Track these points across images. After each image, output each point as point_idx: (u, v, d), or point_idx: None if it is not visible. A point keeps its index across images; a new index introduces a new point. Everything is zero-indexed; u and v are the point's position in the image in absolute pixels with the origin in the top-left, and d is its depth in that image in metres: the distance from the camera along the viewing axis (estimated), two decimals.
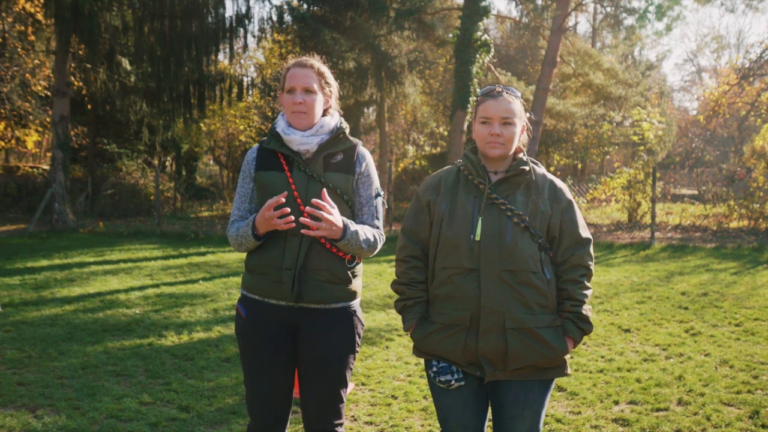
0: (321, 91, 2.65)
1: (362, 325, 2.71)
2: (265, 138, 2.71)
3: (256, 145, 2.73)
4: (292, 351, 2.64)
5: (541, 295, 2.43)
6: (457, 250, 2.43)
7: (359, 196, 2.67)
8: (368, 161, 2.70)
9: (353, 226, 2.53)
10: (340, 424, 2.68)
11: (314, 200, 2.44)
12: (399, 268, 2.59)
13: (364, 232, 2.58)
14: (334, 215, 2.45)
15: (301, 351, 2.63)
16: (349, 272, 2.62)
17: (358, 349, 2.69)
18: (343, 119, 2.72)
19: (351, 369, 2.68)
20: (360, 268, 2.69)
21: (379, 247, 2.65)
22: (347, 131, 2.69)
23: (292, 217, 2.46)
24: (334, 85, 2.73)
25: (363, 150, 2.70)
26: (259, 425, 2.66)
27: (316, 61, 2.68)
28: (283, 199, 2.45)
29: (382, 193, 2.74)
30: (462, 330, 2.43)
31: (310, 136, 2.60)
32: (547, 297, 2.44)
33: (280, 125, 2.63)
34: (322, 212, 2.42)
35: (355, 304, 2.68)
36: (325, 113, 2.69)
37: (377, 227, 2.67)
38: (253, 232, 2.54)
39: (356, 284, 2.67)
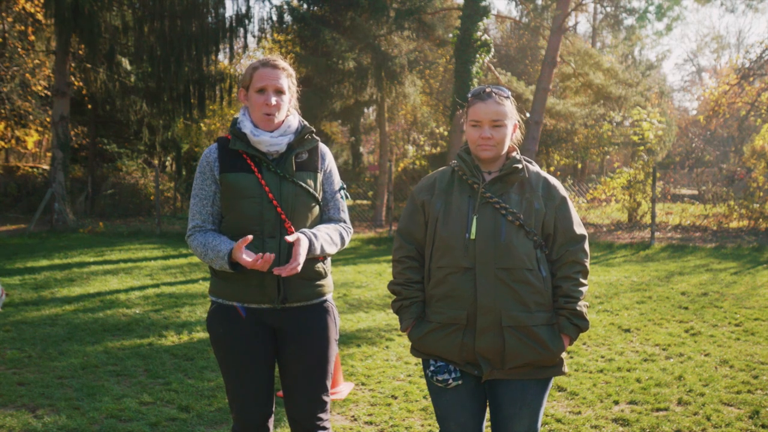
0: (289, 92, 2.64)
1: (338, 315, 2.77)
2: (222, 137, 2.68)
3: (214, 144, 2.67)
4: (273, 351, 2.67)
5: (537, 293, 2.43)
6: (453, 249, 2.44)
7: (324, 192, 2.70)
8: (330, 157, 2.74)
9: (317, 241, 2.52)
10: (327, 419, 2.70)
11: (278, 269, 2.40)
12: (395, 268, 2.61)
13: (330, 237, 2.60)
14: (300, 259, 2.43)
15: (286, 350, 2.64)
16: (323, 268, 2.67)
17: (338, 337, 2.75)
18: (302, 118, 2.73)
19: (334, 360, 2.72)
20: (329, 262, 2.73)
21: (348, 240, 2.72)
22: (313, 131, 2.70)
23: (270, 259, 2.41)
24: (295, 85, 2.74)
25: (324, 147, 2.73)
26: (246, 426, 2.67)
27: (283, 62, 2.66)
28: (251, 237, 2.42)
29: (344, 186, 2.78)
30: (459, 329, 2.44)
31: (279, 137, 2.58)
32: (544, 295, 2.45)
33: (247, 126, 2.58)
34: (291, 267, 2.40)
35: (331, 296, 2.75)
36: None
37: (343, 220, 2.73)
38: (230, 263, 2.48)
39: (330, 278, 2.74)
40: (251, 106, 2.61)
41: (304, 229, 2.54)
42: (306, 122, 2.70)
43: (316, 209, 2.66)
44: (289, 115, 2.66)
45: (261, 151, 2.57)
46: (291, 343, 2.63)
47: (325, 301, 2.70)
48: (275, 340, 2.66)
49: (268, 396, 2.68)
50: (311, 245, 2.50)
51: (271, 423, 2.71)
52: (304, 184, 2.59)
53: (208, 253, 2.54)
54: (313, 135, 2.68)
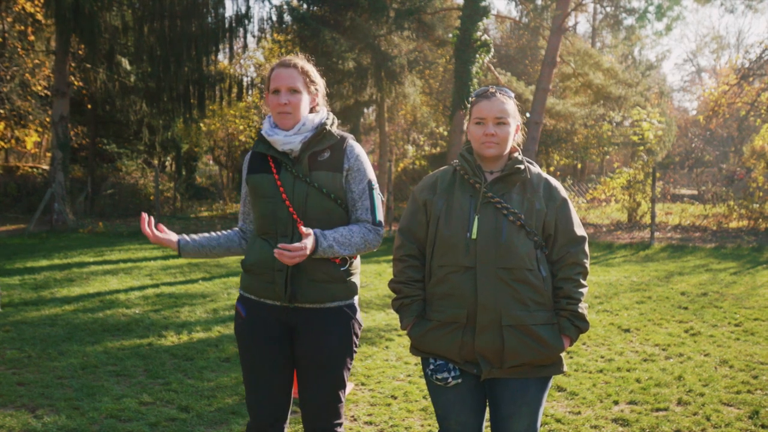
0: (306, 90, 2.61)
1: (360, 324, 2.67)
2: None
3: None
4: (290, 350, 2.65)
5: (536, 293, 2.44)
6: (454, 248, 2.45)
7: (351, 192, 2.60)
8: (358, 154, 2.62)
9: (326, 240, 2.46)
10: (340, 424, 2.67)
11: (281, 245, 2.40)
12: (396, 267, 2.61)
13: (345, 237, 2.51)
14: (304, 247, 2.39)
15: (298, 351, 2.63)
16: (343, 271, 2.58)
17: (355, 349, 2.66)
18: (330, 113, 2.69)
19: (349, 369, 2.66)
20: (357, 265, 2.66)
21: (374, 242, 2.60)
22: (333, 125, 2.63)
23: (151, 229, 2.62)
24: (320, 82, 2.69)
25: (352, 143, 2.64)
26: (258, 424, 2.67)
27: (300, 60, 2.64)
28: (145, 215, 2.65)
29: (375, 184, 2.64)
30: (459, 327, 2.45)
31: (293, 135, 2.57)
32: (543, 294, 2.46)
33: (265, 127, 2.64)
34: (290, 253, 2.38)
35: (353, 302, 2.65)
36: (311, 111, 2.66)
37: (369, 220, 2.59)
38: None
39: (353, 282, 2.63)
40: (270, 108, 2.64)
41: (315, 229, 2.48)
42: (330, 118, 2.65)
43: (335, 209, 2.58)
44: (313, 113, 2.64)
45: (281, 152, 2.59)
46: (305, 348, 2.60)
47: (345, 305, 2.61)
48: (293, 340, 2.65)
49: (285, 395, 2.67)
50: (317, 244, 2.44)
51: (286, 426, 2.69)
52: (316, 184, 2.54)
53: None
54: (331, 132, 2.62)
